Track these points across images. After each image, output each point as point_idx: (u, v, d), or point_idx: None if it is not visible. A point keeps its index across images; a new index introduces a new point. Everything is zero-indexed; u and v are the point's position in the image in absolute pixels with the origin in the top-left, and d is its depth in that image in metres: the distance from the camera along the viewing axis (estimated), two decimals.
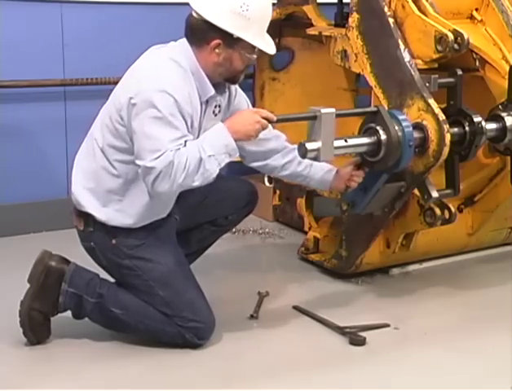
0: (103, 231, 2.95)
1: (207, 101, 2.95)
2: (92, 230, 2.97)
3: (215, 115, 3.01)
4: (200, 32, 2.86)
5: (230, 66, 2.90)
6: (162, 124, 2.76)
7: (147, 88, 2.79)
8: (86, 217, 2.97)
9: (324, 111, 2.99)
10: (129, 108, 2.82)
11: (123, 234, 2.94)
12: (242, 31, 2.83)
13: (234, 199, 3.14)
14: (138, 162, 2.80)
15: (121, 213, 2.93)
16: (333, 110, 3.03)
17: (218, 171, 2.83)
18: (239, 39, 2.85)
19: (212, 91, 2.94)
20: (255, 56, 2.94)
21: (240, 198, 3.28)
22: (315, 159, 3.03)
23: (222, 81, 2.98)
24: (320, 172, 3.25)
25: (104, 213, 2.94)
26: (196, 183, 2.80)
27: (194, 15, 2.89)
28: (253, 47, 2.89)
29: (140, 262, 2.95)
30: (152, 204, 2.94)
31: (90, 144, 2.98)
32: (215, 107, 3.00)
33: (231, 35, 2.84)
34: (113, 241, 2.95)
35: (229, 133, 2.83)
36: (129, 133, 2.85)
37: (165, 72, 2.84)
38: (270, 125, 3.02)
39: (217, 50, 2.86)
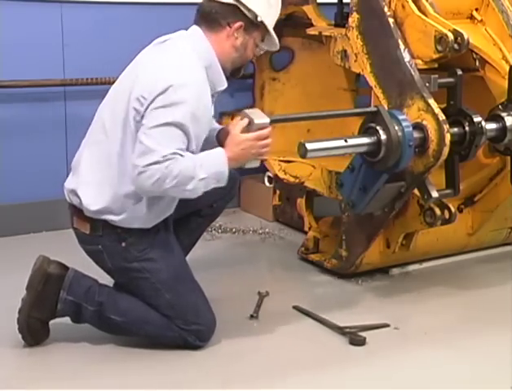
0: (113, 235, 2.91)
1: (213, 95, 2.96)
2: (101, 235, 2.92)
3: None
4: (223, 15, 2.91)
5: (244, 52, 2.98)
6: (175, 129, 2.77)
7: (172, 86, 2.76)
8: (94, 222, 2.92)
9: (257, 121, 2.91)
10: (148, 104, 2.78)
11: (133, 236, 2.92)
12: (265, 16, 2.94)
13: (215, 187, 3.12)
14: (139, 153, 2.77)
15: (136, 214, 2.90)
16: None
17: (200, 193, 2.85)
18: (257, 25, 2.94)
19: (225, 84, 2.97)
20: (264, 48, 3.04)
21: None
22: None
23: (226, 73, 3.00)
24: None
25: (120, 217, 2.89)
26: (177, 195, 2.85)
27: None
28: (263, 38, 2.99)
29: (148, 264, 2.93)
30: (165, 201, 2.93)
31: (102, 151, 2.90)
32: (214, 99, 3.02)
33: (252, 20, 2.92)
34: (123, 244, 2.92)
35: (227, 163, 2.85)
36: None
37: (191, 74, 2.84)
38: None
39: (235, 34, 2.93)
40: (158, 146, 2.75)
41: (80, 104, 4.23)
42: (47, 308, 2.94)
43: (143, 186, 2.78)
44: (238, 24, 2.92)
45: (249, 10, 2.92)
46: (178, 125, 2.77)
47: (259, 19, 2.93)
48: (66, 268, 3.00)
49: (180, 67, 2.86)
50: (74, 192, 2.94)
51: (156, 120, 2.78)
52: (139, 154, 2.77)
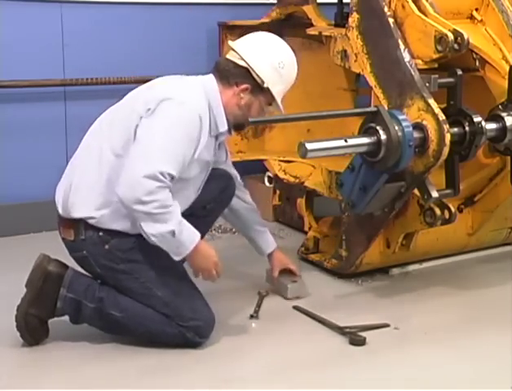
0: (95, 238, 2.94)
1: (217, 136, 3.06)
2: (84, 239, 2.95)
3: (214, 153, 3.11)
4: (233, 75, 3.05)
5: (247, 112, 3.09)
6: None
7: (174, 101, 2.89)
8: (77, 226, 2.95)
9: None
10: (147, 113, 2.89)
11: (116, 238, 2.94)
12: (272, 84, 3.06)
13: (208, 187, 3.15)
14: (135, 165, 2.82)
15: (128, 219, 2.92)
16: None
17: (152, 240, 2.87)
18: (264, 90, 3.06)
19: (225, 126, 3.06)
20: (269, 110, 3.17)
21: (213, 185, 3.22)
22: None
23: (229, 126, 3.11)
24: (262, 238, 3.49)
25: (112, 220, 2.92)
26: (142, 226, 2.85)
27: (231, 58, 3.08)
28: (270, 102, 3.11)
29: (135, 265, 2.95)
30: None
31: (99, 157, 2.94)
32: (218, 144, 3.13)
33: (259, 84, 3.04)
34: (106, 246, 2.94)
35: (191, 253, 2.92)
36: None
37: (195, 95, 2.97)
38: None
39: (242, 95, 3.05)
40: None
41: (80, 104, 4.24)
42: (46, 306, 2.95)
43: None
44: (244, 85, 3.04)
45: (257, 75, 3.02)
46: None
47: (265, 85, 3.04)
48: (66, 267, 3.01)
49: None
50: (66, 196, 2.97)
51: None
52: None
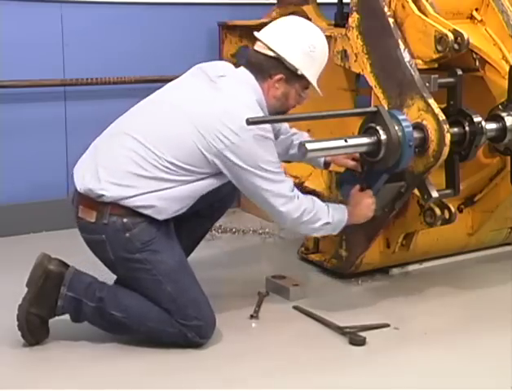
0: (118, 224, 2.92)
1: None
2: (106, 223, 2.92)
3: None
4: (266, 67, 3.04)
5: (285, 101, 3.10)
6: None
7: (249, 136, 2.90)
8: (101, 209, 2.92)
9: None
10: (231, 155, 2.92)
11: (137, 227, 2.92)
12: (306, 69, 3.05)
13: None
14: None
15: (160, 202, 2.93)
16: None
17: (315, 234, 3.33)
18: (299, 77, 3.05)
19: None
20: (306, 96, 3.15)
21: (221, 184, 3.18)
22: None
23: None
24: None
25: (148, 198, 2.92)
26: (305, 232, 3.25)
27: (259, 50, 3.06)
28: (307, 86, 3.10)
29: (151, 255, 2.93)
30: (187, 199, 3.00)
31: (141, 151, 2.91)
32: None
33: (293, 72, 3.03)
34: (127, 234, 2.92)
35: (347, 218, 3.18)
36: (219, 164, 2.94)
37: (255, 107, 2.98)
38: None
39: (277, 85, 3.05)
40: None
41: (80, 104, 4.24)
42: (47, 304, 2.95)
43: None
44: (278, 76, 3.03)
45: (290, 63, 3.01)
46: None
47: (299, 72, 3.03)
48: (66, 266, 3.01)
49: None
50: (94, 176, 2.94)
51: None
52: None
